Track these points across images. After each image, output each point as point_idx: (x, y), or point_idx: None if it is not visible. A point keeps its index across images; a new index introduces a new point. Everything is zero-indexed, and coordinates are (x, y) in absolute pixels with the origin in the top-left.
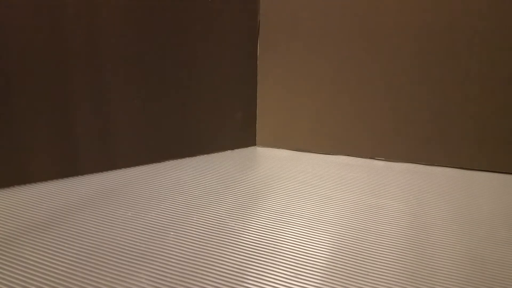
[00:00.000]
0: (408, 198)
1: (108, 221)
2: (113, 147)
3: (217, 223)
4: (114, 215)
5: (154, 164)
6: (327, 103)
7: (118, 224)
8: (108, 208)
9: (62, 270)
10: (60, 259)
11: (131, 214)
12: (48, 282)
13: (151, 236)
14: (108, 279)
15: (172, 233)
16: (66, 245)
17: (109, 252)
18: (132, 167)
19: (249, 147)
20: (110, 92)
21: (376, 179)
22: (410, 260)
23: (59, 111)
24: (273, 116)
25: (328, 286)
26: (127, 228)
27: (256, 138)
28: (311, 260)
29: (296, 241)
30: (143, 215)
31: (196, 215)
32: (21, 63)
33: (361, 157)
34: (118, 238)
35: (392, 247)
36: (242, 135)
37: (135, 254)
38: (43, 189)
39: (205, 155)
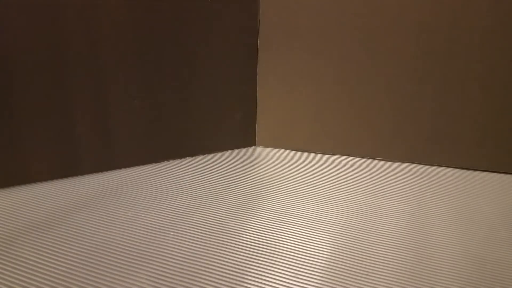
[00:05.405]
0: (408, 198)
1: (108, 221)
2: (113, 147)
3: (217, 223)
4: (114, 215)
5: (154, 164)
6: (327, 103)
7: (118, 224)
8: (108, 208)
9: (62, 270)
10: (60, 259)
11: (131, 214)
12: (48, 282)
13: (151, 236)
14: (108, 279)
15: (172, 233)
16: (66, 245)
17: (109, 252)
18: (132, 167)
19: (249, 147)
20: (110, 92)
21: (376, 179)
22: (410, 260)
23: (59, 111)
24: (273, 116)
25: (328, 286)
26: (127, 228)
27: (256, 138)
28: (311, 260)
29: (296, 241)
30: (143, 215)
31: (196, 215)
32: (21, 63)
33: (361, 157)
34: (118, 238)
35: (392, 247)
36: (242, 135)
37: (135, 254)
38: (43, 189)
39: (205, 155)
